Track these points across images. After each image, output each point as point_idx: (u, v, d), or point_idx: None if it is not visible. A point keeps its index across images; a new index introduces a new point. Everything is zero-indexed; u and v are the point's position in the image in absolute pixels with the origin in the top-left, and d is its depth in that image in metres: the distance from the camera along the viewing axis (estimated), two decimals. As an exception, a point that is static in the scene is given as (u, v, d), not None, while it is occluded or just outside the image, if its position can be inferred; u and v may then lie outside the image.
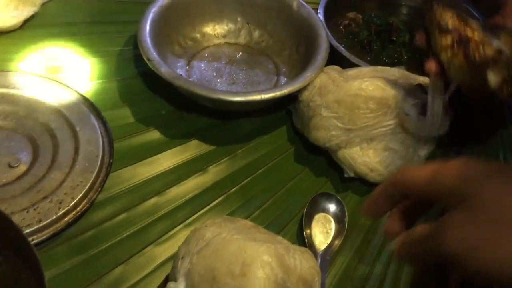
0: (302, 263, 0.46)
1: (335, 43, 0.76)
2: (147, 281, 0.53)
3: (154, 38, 0.69)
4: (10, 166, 0.57)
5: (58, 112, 0.63)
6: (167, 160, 0.65)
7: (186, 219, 0.60)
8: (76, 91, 0.66)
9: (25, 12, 0.74)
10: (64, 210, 0.54)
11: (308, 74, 0.69)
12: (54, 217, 0.53)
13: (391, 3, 0.92)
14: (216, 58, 0.79)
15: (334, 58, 0.77)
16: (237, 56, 0.80)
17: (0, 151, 0.58)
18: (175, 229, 0.59)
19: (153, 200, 0.61)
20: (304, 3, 0.80)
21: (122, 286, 0.53)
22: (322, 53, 0.72)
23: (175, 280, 0.46)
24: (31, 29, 0.76)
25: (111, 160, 0.61)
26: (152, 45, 0.68)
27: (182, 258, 0.48)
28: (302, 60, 0.76)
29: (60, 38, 0.76)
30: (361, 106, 0.63)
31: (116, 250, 0.55)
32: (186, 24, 0.79)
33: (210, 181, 0.65)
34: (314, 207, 0.62)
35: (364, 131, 0.64)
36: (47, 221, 0.53)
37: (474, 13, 0.85)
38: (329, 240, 0.60)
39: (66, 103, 0.64)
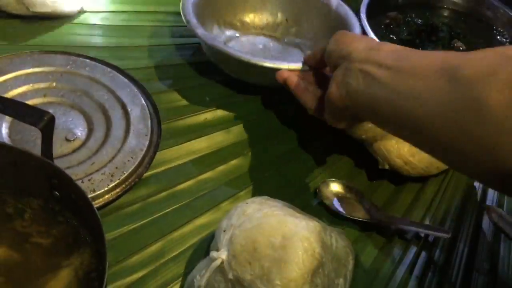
0: (338, 241, 0.49)
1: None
2: (189, 252, 0.57)
3: (196, 12, 0.73)
4: (67, 140, 0.61)
5: (112, 92, 0.67)
6: (210, 143, 0.69)
7: (225, 199, 0.63)
8: (128, 74, 0.71)
9: (82, 0, 0.79)
10: (115, 183, 0.58)
11: None
12: (106, 188, 0.57)
13: (432, 5, 0.93)
14: (251, 44, 0.83)
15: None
16: (272, 45, 0.84)
17: (58, 125, 0.62)
18: (215, 208, 0.62)
19: (195, 180, 0.64)
20: (342, 2, 0.82)
21: (166, 256, 0.56)
22: None
23: (217, 249, 0.49)
24: (87, 14, 0.81)
25: (158, 140, 0.65)
26: (193, 14, 0.72)
27: (224, 231, 0.51)
28: None
29: (114, 24, 0.80)
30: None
31: (161, 223, 0.59)
32: (228, 11, 0.83)
33: (249, 164, 0.68)
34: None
35: None
36: (99, 191, 0.57)
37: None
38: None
39: (119, 85, 0.68)
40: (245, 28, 0.85)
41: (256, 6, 0.85)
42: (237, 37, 0.84)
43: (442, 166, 0.68)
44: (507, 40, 0.89)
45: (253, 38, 0.85)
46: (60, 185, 0.45)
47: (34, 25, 0.76)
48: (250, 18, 0.86)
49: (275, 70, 0.65)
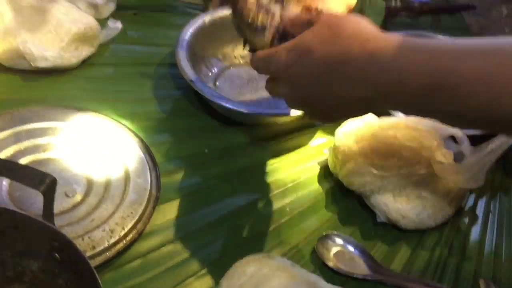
0: None
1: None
2: None
3: (190, 61, 0.77)
4: (67, 196, 0.61)
5: (111, 146, 0.68)
6: (211, 196, 0.69)
7: (224, 254, 0.63)
8: (127, 127, 0.71)
9: (84, 52, 0.80)
10: (115, 239, 0.58)
11: None
12: (106, 245, 0.57)
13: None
14: (238, 78, 0.87)
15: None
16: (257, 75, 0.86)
17: (58, 181, 0.61)
18: (216, 263, 0.61)
19: (195, 234, 0.64)
20: None
21: None
22: None
23: None
24: (87, 67, 0.82)
25: (158, 194, 0.65)
26: (190, 67, 0.76)
27: None
28: None
29: (113, 77, 0.82)
30: (395, 154, 0.67)
31: (160, 280, 0.58)
32: (209, 46, 0.86)
33: (248, 219, 0.68)
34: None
35: (398, 178, 0.67)
36: (99, 249, 0.56)
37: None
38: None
39: (118, 138, 0.69)
40: (228, 60, 0.88)
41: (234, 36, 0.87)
42: (224, 71, 0.87)
43: (440, 219, 0.69)
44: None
45: (237, 70, 0.88)
46: (60, 248, 0.46)
47: (35, 80, 0.77)
48: (230, 49, 0.88)
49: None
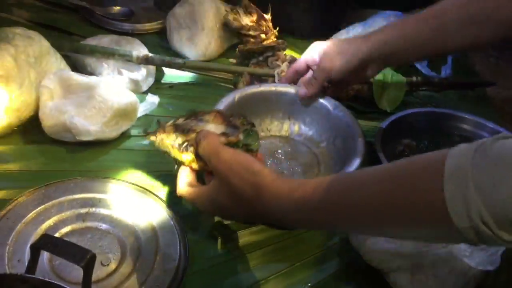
0: None
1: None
2: None
3: None
4: (102, 264, 0.66)
5: (145, 217, 0.72)
6: (237, 266, 0.72)
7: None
8: (159, 197, 0.76)
9: (124, 126, 0.87)
10: (145, 309, 0.61)
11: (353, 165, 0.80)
12: (136, 315, 0.60)
13: (444, 132, 0.99)
14: (263, 151, 0.89)
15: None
16: (281, 148, 0.92)
17: (95, 249, 0.67)
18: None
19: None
20: (339, 104, 0.92)
21: None
22: (360, 148, 0.83)
23: None
24: (125, 139, 0.88)
25: (186, 264, 0.68)
26: None
27: None
28: (339, 151, 0.88)
29: (148, 148, 0.87)
30: (413, 233, 0.69)
31: None
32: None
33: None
34: None
35: (416, 257, 0.68)
36: (130, 319, 0.60)
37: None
38: None
39: (152, 209, 0.74)
40: None
41: (261, 111, 0.94)
42: None
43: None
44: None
45: (263, 142, 0.92)
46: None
47: (79, 151, 0.84)
48: (257, 122, 0.93)
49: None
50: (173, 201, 0.78)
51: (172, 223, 0.73)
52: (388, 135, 0.92)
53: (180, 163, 0.69)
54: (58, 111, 0.82)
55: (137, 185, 0.77)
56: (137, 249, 0.68)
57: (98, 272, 0.65)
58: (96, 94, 0.86)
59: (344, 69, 0.86)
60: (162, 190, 0.80)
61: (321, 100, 0.93)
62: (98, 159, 0.84)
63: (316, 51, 0.90)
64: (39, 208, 0.70)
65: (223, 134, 0.68)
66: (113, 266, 0.66)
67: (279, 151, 0.91)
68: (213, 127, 0.70)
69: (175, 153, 0.69)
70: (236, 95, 0.91)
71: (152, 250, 0.68)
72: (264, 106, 0.94)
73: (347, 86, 1.00)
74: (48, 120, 0.83)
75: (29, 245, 0.51)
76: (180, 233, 0.72)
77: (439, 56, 1.20)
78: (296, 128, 0.95)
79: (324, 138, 0.93)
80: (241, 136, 0.68)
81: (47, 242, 0.50)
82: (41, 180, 0.75)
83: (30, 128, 0.87)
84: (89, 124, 0.82)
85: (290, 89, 0.94)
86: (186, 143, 0.67)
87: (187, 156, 0.67)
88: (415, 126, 0.98)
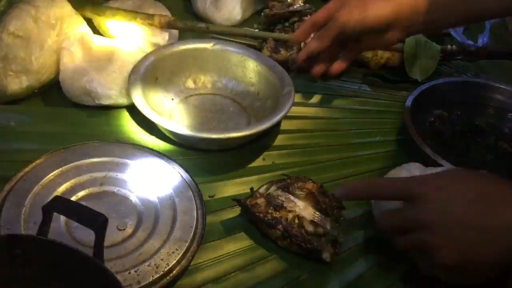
0: None
1: (419, 140, 0.80)
2: None
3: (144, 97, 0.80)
4: (119, 229, 0.65)
5: (162, 183, 0.71)
6: (254, 237, 0.70)
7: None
8: (178, 163, 0.75)
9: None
10: (159, 274, 0.60)
11: (275, 118, 0.80)
12: (150, 280, 0.59)
13: (478, 103, 0.94)
14: (196, 108, 0.89)
15: (417, 155, 0.80)
16: (210, 105, 0.90)
17: (111, 214, 0.66)
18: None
19: (236, 274, 0.65)
20: (278, 64, 0.90)
21: None
22: (287, 103, 0.82)
23: None
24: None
25: (203, 232, 0.67)
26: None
27: None
28: (269, 104, 0.86)
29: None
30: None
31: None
32: (166, 80, 0.89)
33: (290, 262, 0.68)
34: None
35: None
36: (144, 283, 0.59)
37: None
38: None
39: (169, 174, 0.72)
40: (188, 91, 0.91)
41: (192, 69, 0.92)
42: (183, 100, 0.90)
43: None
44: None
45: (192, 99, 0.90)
46: (107, 285, 0.48)
47: (98, 115, 0.83)
48: (190, 81, 0.92)
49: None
50: (193, 167, 0.77)
51: (190, 189, 0.71)
52: (418, 106, 0.88)
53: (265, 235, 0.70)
54: (78, 74, 0.81)
55: (156, 151, 0.76)
56: (154, 215, 0.67)
57: (114, 236, 0.64)
58: (117, 57, 0.84)
59: (360, 25, 0.79)
60: (181, 157, 0.79)
61: (249, 54, 0.91)
62: (117, 124, 0.83)
63: (338, 1, 0.83)
64: (56, 171, 0.69)
65: (312, 222, 0.68)
66: (129, 231, 0.65)
67: (207, 108, 0.89)
68: (303, 206, 0.70)
69: (263, 227, 0.70)
70: (155, 56, 0.87)
71: (169, 216, 0.67)
72: (189, 63, 0.91)
73: (361, 50, 0.94)
74: (68, 83, 0.82)
75: (41, 208, 0.50)
76: (198, 200, 0.71)
77: (474, 23, 1.13)
78: (223, 83, 0.92)
79: (253, 92, 0.90)
80: (328, 227, 0.69)
81: (59, 204, 0.50)
82: (59, 143, 0.74)
83: (50, 91, 0.86)
84: (109, 88, 0.81)
85: (216, 46, 0.92)
86: (275, 220, 0.68)
87: (275, 233, 0.68)
88: (447, 96, 0.93)
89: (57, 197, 0.50)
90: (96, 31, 0.97)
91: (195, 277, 0.64)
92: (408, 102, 0.87)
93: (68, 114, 0.83)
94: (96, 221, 0.48)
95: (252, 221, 0.71)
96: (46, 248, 0.48)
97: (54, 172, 0.69)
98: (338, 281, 0.67)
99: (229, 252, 0.68)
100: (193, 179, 0.73)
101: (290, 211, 0.69)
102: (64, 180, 0.68)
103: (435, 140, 0.85)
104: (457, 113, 0.90)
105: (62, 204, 0.49)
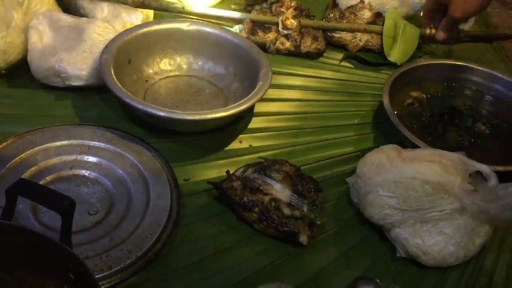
0: None
1: (397, 122, 0.79)
2: None
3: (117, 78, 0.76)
4: (89, 213, 0.63)
5: (135, 166, 0.69)
6: (231, 220, 0.69)
7: (241, 280, 0.62)
8: (152, 146, 0.73)
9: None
10: (132, 260, 0.59)
11: (253, 100, 0.78)
12: (122, 265, 0.58)
13: (456, 85, 0.94)
14: (172, 90, 0.87)
15: (395, 137, 0.80)
16: (184, 87, 0.88)
17: (82, 198, 0.64)
18: (230, 289, 0.61)
19: (212, 258, 0.64)
20: (255, 45, 0.89)
21: None
22: (264, 84, 0.80)
23: None
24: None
25: (177, 215, 0.65)
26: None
27: None
28: (245, 84, 0.85)
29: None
30: (417, 189, 0.65)
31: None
32: (140, 61, 0.86)
33: (266, 245, 0.67)
34: None
35: (419, 213, 0.65)
36: (116, 269, 0.57)
37: None
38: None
39: (143, 158, 0.70)
40: (160, 74, 0.89)
41: (167, 50, 0.89)
42: (154, 84, 0.87)
43: (461, 256, 0.67)
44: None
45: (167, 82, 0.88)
46: (74, 269, 0.47)
47: (68, 97, 0.80)
48: (163, 63, 0.89)
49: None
50: (167, 150, 0.75)
51: (164, 173, 0.69)
52: (396, 88, 0.87)
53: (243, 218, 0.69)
54: (47, 54, 0.78)
55: (129, 134, 0.74)
56: (127, 199, 0.66)
57: (84, 221, 0.62)
58: (87, 37, 0.81)
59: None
60: (156, 140, 0.77)
61: (226, 35, 0.89)
62: (88, 106, 0.80)
63: None
64: (23, 154, 0.67)
65: (289, 205, 0.67)
66: (100, 215, 0.63)
67: (183, 90, 0.87)
68: (280, 188, 0.69)
69: (240, 211, 0.68)
70: (128, 35, 0.84)
71: (143, 200, 0.66)
72: (163, 44, 0.88)
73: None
74: (36, 64, 0.79)
75: (4, 191, 0.48)
76: (173, 184, 0.69)
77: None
78: (199, 65, 0.90)
79: (230, 73, 0.89)
80: (305, 209, 0.68)
81: (23, 187, 0.48)
82: (27, 125, 0.72)
83: (18, 72, 0.83)
84: (79, 69, 0.78)
85: (191, 26, 0.89)
86: (251, 203, 0.67)
87: (251, 216, 0.67)
88: (425, 78, 0.93)
89: (21, 179, 0.48)
90: (66, 9, 0.93)
91: (170, 261, 0.63)
92: (387, 85, 0.87)
93: (37, 95, 0.80)
94: (62, 205, 0.46)
95: (228, 204, 0.70)
96: (9, 233, 0.46)
97: (21, 155, 0.66)
98: (315, 264, 0.66)
99: (205, 236, 0.67)
100: (167, 162, 0.71)
101: (266, 194, 0.68)
102: (31, 164, 0.66)
103: (413, 122, 0.85)
104: (435, 95, 0.89)
105: (26, 187, 0.47)
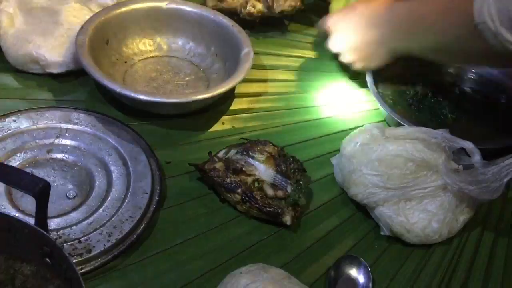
0: None
1: (380, 101, 0.79)
2: None
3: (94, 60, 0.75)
4: (68, 197, 0.62)
5: (115, 149, 0.68)
6: (214, 202, 0.69)
7: (225, 261, 0.62)
8: (133, 129, 0.72)
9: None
10: (112, 243, 0.58)
11: (235, 81, 0.77)
12: (102, 249, 0.57)
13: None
14: (152, 71, 0.85)
15: (379, 115, 0.79)
16: (164, 68, 0.86)
17: (59, 182, 0.63)
18: (214, 270, 0.61)
19: (195, 240, 0.64)
20: (236, 24, 0.87)
21: None
22: (246, 65, 0.79)
23: None
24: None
25: (159, 198, 0.65)
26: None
27: None
28: (226, 63, 0.85)
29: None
30: (401, 167, 0.65)
31: (159, 282, 0.58)
32: (118, 42, 0.84)
33: (250, 226, 0.67)
34: (338, 271, 0.63)
35: (403, 191, 0.65)
36: (96, 252, 0.57)
37: None
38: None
39: (123, 141, 0.69)
40: (139, 54, 0.87)
41: (146, 30, 0.87)
42: (133, 65, 0.85)
43: (445, 233, 0.67)
44: None
45: (146, 63, 0.86)
46: (51, 253, 0.46)
47: (48, 82, 0.78)
48: (142, 43, 0.87)
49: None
50: (148, 132, 0.74)
51: (144, 156, 0.68)
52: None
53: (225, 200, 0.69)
54: (22, 40, 0.76)
55: (108, 116, 0.72)
56: (106, 182, 0.65)
57: (63, 205, 0.61)
58: (63, 20, 0.79)
59: None
60: (136, 122, 0.75)
61: (206, 13, 0.88)
62: (67, 90, 0.78)
63: None
64: (-2, 138, 0.65)
65: (272, 185, 0.66)
66: (79, 199, 0.62)
67: (164, 71, 0.86)
68: (263, 169, 0.68)
69: (222, 192, 0.68)
70: (104, 16, 0.81)
71: (123, 183, 0.65)
72: (142, 24, 0.87)
73: None
74: (12, 51, 0.76)
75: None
76: (154, 166, 0.68)
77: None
78: (179, 45, 0.89)
79: (211, 53, 0.88)
80: (289, 190, 0.67)
81: (-5, 169, 0.46)
82: (0, 110, 0.70)
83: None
84: (59, 55, 0.76)
85: (170, 5, 0.87)
86: (234, 184, 0.66)
87: (234, 197, 0.66)
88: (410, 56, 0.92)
89: None
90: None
91: (153, 243, 0.62)
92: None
93: (12, 81, 0.77)
94: (36, 187, 0.45)
95: (211, 186, 0.69)
96: (-17, 217, 0.45)
97: (-6, 140, 0.65)
98: (300, 244, 0.66)
99: (188, 218, 0.66)
100: (148, 145, 0.70)
101: (249, 175, 0.67)
102: (6, 148, 0.64)
103: (397, 100, 0.84)
104: (419, 73, 0.88)
105: None
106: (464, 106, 0.85)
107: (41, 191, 0.45)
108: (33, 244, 0.45)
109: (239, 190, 0.66)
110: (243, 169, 0.68)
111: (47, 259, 0.46)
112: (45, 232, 0.45)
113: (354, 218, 0.71)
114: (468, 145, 0.67)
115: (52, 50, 0.76)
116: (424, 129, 0.70)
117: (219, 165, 0.68)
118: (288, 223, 0.66)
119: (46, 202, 0.46)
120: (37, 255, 0.46)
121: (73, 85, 0.79)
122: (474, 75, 0.92)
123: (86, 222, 0.59)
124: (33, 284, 0.46)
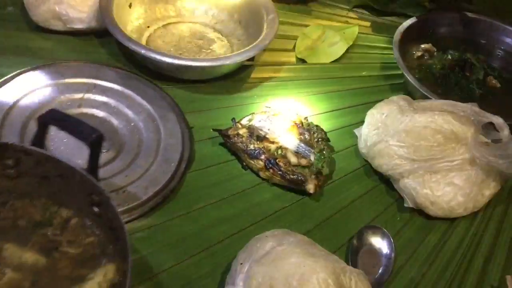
0: (358, 284, 0.54)
1: (407, 73, 0.85)
2: (207, 281, 0.62)
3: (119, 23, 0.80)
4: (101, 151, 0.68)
5: (143, 106, 0.75)
6: (235, 167, 0.75)
7: (247, 226, 0.69)
8: (162, 89, 0.78)
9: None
10: (148, 196, 0.65)
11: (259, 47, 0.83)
12: (140, 201, 0.64)
13: (467, 37, 1.00)
14: (175, 36, 0.91)
15: (404, 89, 0.86)
16: (196, 35, 0.93)
17: (92, 137, 0.69)
18: (237, 234, 0.67)
19: (221, 203, 0.70)
20: None
21: (182, 281, 0.61)
22: (271, 31, 0.86)
23: (233, 283, 0.55)
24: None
25: (190, 154, 0.72)
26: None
27: (241, 263, 0.57)
28: (249, 29, 0.91)
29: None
30: (428, 139, 0.71)
31: (184, 244, 0.65)
32: (143, 6, 0.91)
33: (273, 193, 0.73)
34: (360, 241, 0.68)
35: (429, 164, 0.71)
36: (134, 204, 0.64)
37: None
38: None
39: (153, 100, 0.76)
40: (166, 19, 0.93)
41: None
42: (158, 29, 0.92)
43: (470, 207, 0.73)
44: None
45: (174, 27, 0.93)
46: (99, 202, 0.51)
47: (68, 41, 0.84)
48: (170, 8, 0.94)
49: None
50: (179, 94, 0.80)
51: (174, 114, 0.75)
52: (407, 40, 0.93)
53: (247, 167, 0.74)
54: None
55: (135, 74, 0.79)
56: (138, 138, 0.71)
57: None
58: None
59: None
60: (165, 81, 0.82)
61: None
62: (90, 49, 0.84)
63: None
64: (29, 91, 0.71)
65: (296, 154, 0.73)
66: (112, 153, 0.69)
67: (187, 36, 0.92)
68: (287, 137, 0.74)
69: (245, 158, 0.73)
70: None
71: (154, 139, 0.71)
72: None
73: None
74: (34, 6, 0.82)
75: (36, 119, 0.53)
76: (184, 123, 0.75)
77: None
78: (203, 11, 0.95)
79: (235, 20, 0.94)
80: (312, 158, 0.73)
81: (55, 116, 0.52)
82: (29, 64, 0.76)
83: (13, 14, 0.86)
84: (80, 11, 0.82)
85: None
86: (257, 150, 0.72)
87: (257, 164, 0.72)
88: (436, 30, 0.99)
89: (53, 109, 0.53)
90: None
91: (183, 201, 0.68)
92: (396, 36, 0.92)
93: (34, 39, 0.83)
94: (91, 136, 0.51)
95: (234, 152, 0.75)
96: (39, 161, 0.51)
97: (25, 93, 0.71)
98: (322, 212, 0.73)
99: (210, 183, 0.72)
100: (176, 104, 0.77)
101: (273, 142, 0.74)
102: (39, 100, 0.70)
103: (423, 75, 0.91)
104: (446, 47, 0.95)
105: (57, 117, 0.52)
106: (492, 82, 0.92)
107: (94, 141, 0.52)
108: (82, 191, 0.51)
109: (263, 157, 0.72)
110: (267, 136, 0.74)
111: (95, 208, 0.52)
112: (95, 181, 0.51)
113: (377, 190, 0.77)
114: (497, 119, 0.73)
115: (74, 6, 0.82)
116: (453, 102, 0.76)
117: (243, 131, 0.74)
118: (311, 191, 0.72)
119: (98, 151, 0.52)
120: (84, 203, 0.52)
121: (94, 46, 0.85)
122: (501, 52, 0.99)
123: (121, 175, 0.66)
124: (76, 228, 0.53)
